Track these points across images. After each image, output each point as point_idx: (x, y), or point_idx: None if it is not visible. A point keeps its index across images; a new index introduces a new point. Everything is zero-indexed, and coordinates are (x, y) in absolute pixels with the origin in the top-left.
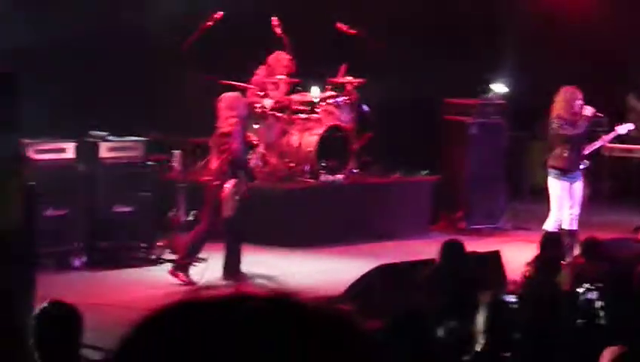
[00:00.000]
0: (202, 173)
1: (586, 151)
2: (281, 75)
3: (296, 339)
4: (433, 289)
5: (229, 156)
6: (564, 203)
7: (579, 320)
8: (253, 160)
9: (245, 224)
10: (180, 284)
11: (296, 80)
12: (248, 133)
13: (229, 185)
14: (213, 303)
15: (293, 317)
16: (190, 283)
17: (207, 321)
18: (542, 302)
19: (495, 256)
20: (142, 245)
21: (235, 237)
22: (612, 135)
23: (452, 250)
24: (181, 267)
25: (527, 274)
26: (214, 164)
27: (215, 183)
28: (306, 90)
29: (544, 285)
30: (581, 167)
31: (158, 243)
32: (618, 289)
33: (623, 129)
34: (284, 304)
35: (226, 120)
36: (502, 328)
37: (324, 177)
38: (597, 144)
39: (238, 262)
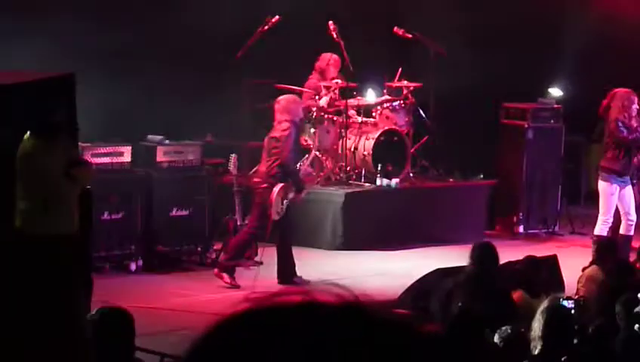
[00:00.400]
0: (252, 176)
1: None
2: (335, 77)
3: (365, 346)
4: (467, 294)
5: (277, 160)
6: (613, 206)
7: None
8: (304, 167)
9: (294, 228)
10: (225, 286)
11: (353, 84)
12: (303, 138)
13: (277, 189)
14: (281, 310)
15: (361, 324)
16: (235, 285)
17: (276, 328)
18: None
19: (552, 261)
20: (198, 249)
21: (284, 241)
22: None
23: (483, 252)
24: (226, 268)
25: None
26: (263, 166)
27: (263, 186)
28: (363, 94)
29: (617, 290)
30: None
31: (214, 247)
32: None
33: None
34: (351, 310)
35: (280, 123)
36: (560, 333)
37: (381, 181)
38: None
39: (291, 266)
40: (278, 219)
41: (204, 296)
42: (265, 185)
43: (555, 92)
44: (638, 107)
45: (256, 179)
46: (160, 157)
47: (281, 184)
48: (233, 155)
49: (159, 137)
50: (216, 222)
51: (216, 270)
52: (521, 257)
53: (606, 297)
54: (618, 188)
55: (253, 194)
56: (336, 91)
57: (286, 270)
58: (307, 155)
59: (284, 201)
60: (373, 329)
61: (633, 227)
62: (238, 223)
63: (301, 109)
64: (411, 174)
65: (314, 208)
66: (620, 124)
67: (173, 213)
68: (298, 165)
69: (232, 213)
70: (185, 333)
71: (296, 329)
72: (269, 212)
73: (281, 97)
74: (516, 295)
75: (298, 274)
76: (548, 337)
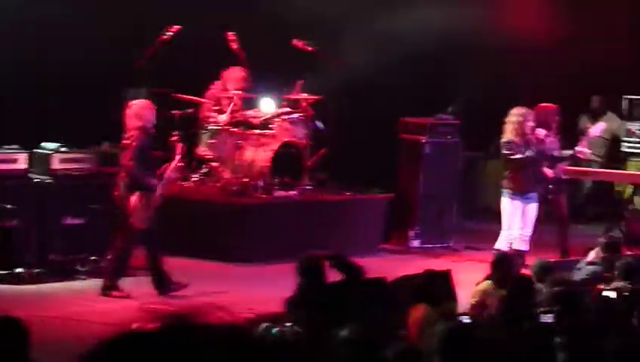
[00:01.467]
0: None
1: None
2: (236, 89)
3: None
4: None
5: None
6: (515, 223)
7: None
8: (167, 173)
9: (159, 235)
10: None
11: (251, 95)
12: (201, 148)
13: (134, 198)
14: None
15: (184, 343)
16: (125, 296)
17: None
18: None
19: (446, 275)
20: (92, 258)
21: (151, 250)
22: (587, 138)
23: (308, 265)
24: (109, 288)
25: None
26: (118, 178)
27: (119, 197)
28: (262, 105)
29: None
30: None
31: (108, 256)
32: (571, 312)
33: (595, 130)
34: (174, 332)
35: (129, 130)
36: (457, 348)
37: (278, 193)
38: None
39: (164, 274)
40: (145, 227)
41: (99, 305)
42: (121, 195)
43: (455, 107)
44: (533, 124)
45: (115, 192)
46: (55, 165)
47: (138, 193)
48: None
49: (55, 145)
50: (111, 231)
51: (101, 293)
52: (414, 271)
53: (506, 312)
54: (521, 204)
55: (116, 206)
56: (236, 102)
57: (161, 280)
58: (173, 161)
59: (146, 210)
60: (195, 344)
61: (527, 242)
62: None
63: (152, 115)
64: (309, 187)
65: (210, 220)
66: (513, 144)
67: (68, 221)
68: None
69: None
70: (76, 343)
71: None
72: (130, 221)
73: (132, 102)
74: (418, 309)
75: (174, 280)
76: (444, 353)
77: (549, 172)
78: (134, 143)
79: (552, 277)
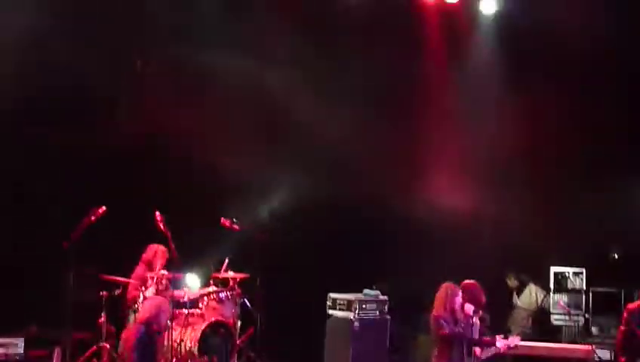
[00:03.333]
0: None
1: (483, 356)
2: (161, 268)
3: None
4: None
5: None
6: None
7: None
8: None
9: None
10: None
11: (179, 274)
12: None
13: None
14: None
15: None
16: None
17: None
18: None
19: None
20: None
21: None
22: (509, 343)
23: None
24: None
25: None
26: None
27: None
28: (186, 281)
29: None
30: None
31: None
32: None
33: (512, 342)
34: None
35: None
36: None
37: None
38: (492, 351)
39: None
40: None
41: None
42: None
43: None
44: (462, 300)
45: None
46: None
47: None
48: (57, 348)
49: None
50: None
51: None
52: None
53: None
54: None
55: None
56: (163, 282)
57: None
58: None
59: None
60: None
61: None
62: None
63: (166, 318)
64: None
65: None
66: (442, 321)
67: None
68: None
69: None
70: None
71: None
72: None
73: (151, 296)
74: None
75: None
76: None
77: (478, 350)
78: (136, 339)
79: None
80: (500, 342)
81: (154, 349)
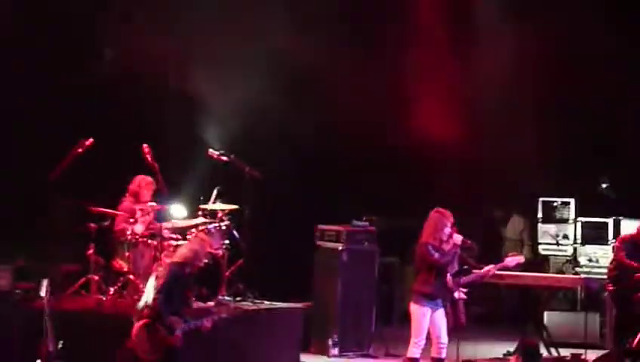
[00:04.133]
0: None
1: (465, 280)
2: (149, 200)
3: None
4: None
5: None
6: (425, 329)
7: None
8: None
9: None
10: None
11: (167, 206)
12: (117, 261)
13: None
14: None
15: None
16: None
17: None
18: None
19: None
20: None
21: None
22: (500, 266)
23: None
24: None
25: None
26: None
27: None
28: (171, 211)
29: None
30: (455, 295)
31: None
32: None
33: (512, 262)
34: None
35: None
36: None
37: (196, 305)
38: (481, 273)
39: None
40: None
41: None
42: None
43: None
44: (450, 229)
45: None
46: None
47: (142, 321)
48: (45, 280)
49: None
50: (27, 348)
51: None
52: None
53: None
54: (430, 311)
55: None
56: (151, 214)
57: None
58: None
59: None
60: None
61: (444, 350)
62: (50, 349)
63: (200, 256)
64: (226, 298)
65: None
66: (430, 247)
67: None
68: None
69: (44, 338)
70: None
71: None
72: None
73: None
74: None
75: None
76: None
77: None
78: (166, 276)
79: None
80: (511, 260)
81: (182, 291)
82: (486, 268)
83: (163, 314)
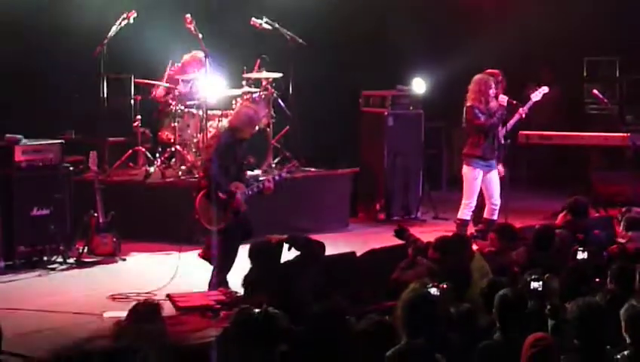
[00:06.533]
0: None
1: (508, 126)
2: (195, 71)
3: None
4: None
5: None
6: (476, 191)
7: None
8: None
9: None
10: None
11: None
12: (164, 132)
13: (199, 196)
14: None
15: None
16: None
17: None
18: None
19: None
20: (60, 248)
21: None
22: (529, 104)
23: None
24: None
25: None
26: None
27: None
28: (223, 86)
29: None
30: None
31: (76, 246)
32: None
33: (537, 95)
34: None
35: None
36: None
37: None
38: (516, 117)
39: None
40: (214, 228)
41: (69, 295)
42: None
43: (418, 81)
44: (495, 91)
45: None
46: (18, 156)
47: (201, 192)
48: (93, 152)
49: (18, 136)
50: (77, 221)
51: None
52: (383, 244)
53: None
54: (482, 172)
55: None
56: (196, 84)
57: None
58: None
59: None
60: None
61: (497, 211)
62: (100, 221)
63: (249, 122)
64: (273, 165)
65: (175, 203)
66: (477, 111)
67: (34, 212)
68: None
69: (93, 211)
70: (50, 334)
71: None
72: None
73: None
74: None
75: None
76: (410, 324)
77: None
78: (218, 141)
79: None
80: (535, 94)
81: (234, 156)
82: (520, 110)
83: (220, 181)
